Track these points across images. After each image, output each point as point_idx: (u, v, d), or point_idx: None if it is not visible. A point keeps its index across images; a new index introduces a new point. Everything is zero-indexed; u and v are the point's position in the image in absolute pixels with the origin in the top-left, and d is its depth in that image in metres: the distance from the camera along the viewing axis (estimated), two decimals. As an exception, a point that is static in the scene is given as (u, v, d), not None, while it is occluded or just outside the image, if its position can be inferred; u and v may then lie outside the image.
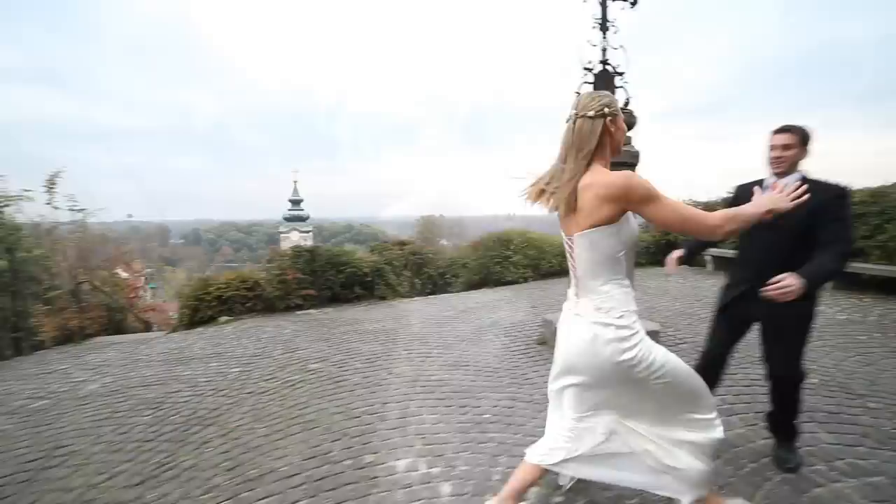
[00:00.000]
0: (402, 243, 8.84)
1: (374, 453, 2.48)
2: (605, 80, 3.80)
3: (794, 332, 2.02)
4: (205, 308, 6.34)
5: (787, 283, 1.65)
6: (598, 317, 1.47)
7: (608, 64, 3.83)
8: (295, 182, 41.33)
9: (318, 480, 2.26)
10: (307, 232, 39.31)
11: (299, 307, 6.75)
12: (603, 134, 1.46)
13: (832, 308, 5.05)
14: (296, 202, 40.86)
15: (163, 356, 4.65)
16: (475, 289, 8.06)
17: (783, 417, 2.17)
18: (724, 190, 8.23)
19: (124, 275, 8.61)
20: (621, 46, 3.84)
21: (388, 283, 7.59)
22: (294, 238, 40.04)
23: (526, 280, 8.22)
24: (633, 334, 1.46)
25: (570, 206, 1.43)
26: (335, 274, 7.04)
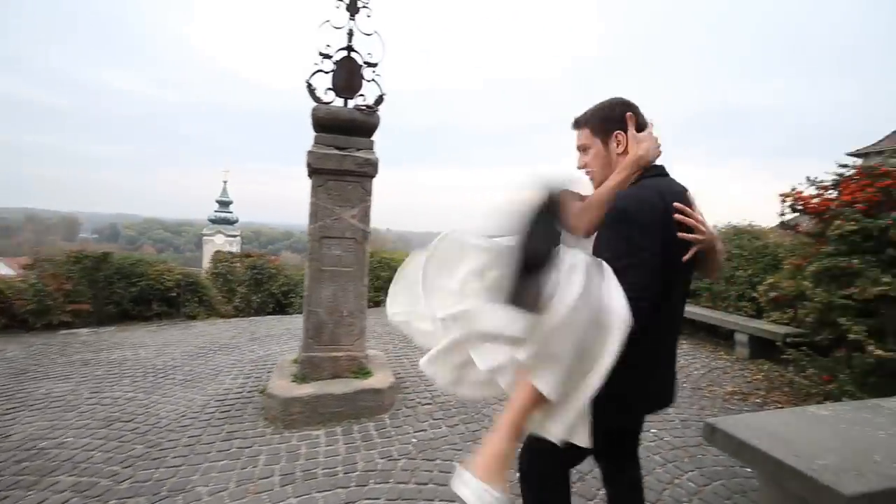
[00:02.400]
0: (247, 255, 7.77)
1: None
2: (348, 69, 3.12)
3: None
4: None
5: None
6: None
7: (355, 51, 3.15)
8: (225, 182, 38.59)
9: None
10: (234, 236, 36.68)
11: (67, 324, 5.47)
12: None
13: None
14: (224, 203, 38.08)
15: None
16: (317, 311, 7.11)
17: None
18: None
19: None
20: (375, 32, 3.19)
21: (204, 300, 6.48)
22: (218, 242, 37.34)
23: (377, 304, 7.43)
24: None
25: None
26: (126, 287, 5.85)
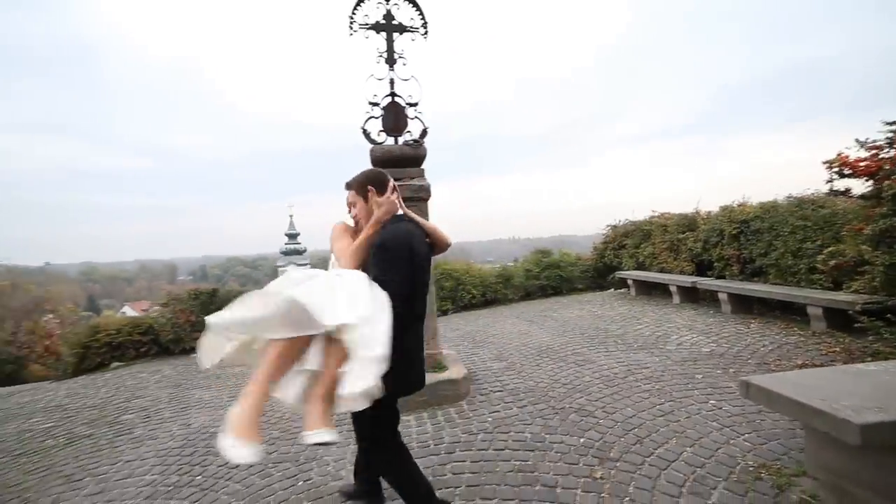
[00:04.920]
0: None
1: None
2: (394, 112, 3.72)
3: None
4: (93, 355, 6.32)
5: None
6: None
7: (398, 96, 3.76)
8: (291, 216, 42.15)
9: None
10: (304, 264, 39.75)
11: (195, 351, 6.67)
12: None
13: (708, 337, 4.63)
14: (292, 236, 41.59)
15: None
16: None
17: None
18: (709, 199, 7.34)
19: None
20: (412, 77, 3.78)
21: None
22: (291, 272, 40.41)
23: (445, 312, 7.97)
24: None
25: None
26: (234, 314, 6.98)
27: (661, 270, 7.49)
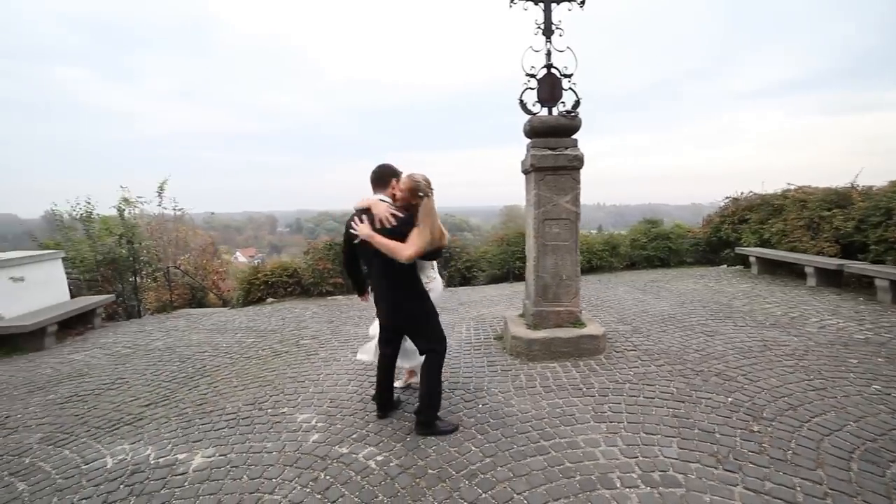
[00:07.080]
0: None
1: (293, 408, 3.17)
2: (550, 83, 3.90)
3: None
4: (255, 291, 7.73)
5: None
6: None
7: (553, 67, 3.91)
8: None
9: (243, 419, 3.03)
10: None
11: (330, 293, 7.81)
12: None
13: (861, 325, 4.38)
14: (379, 196, 44.00)
15: (212, 326, 5.97)
16: (497, 283, 8.36)
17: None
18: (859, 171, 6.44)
19: (242, 258, 10.73)
20: (568, 48, 3.90)
21: (410, 275, 8.28)
22: (377, 229, 42.92)
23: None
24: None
25: None
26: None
27: (792, 250, 6.92)
